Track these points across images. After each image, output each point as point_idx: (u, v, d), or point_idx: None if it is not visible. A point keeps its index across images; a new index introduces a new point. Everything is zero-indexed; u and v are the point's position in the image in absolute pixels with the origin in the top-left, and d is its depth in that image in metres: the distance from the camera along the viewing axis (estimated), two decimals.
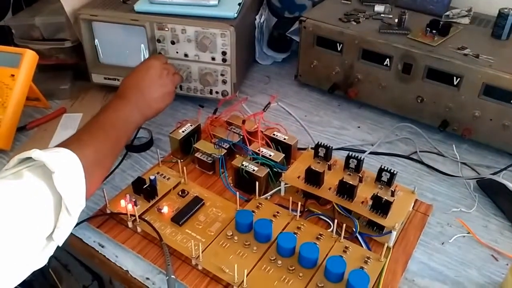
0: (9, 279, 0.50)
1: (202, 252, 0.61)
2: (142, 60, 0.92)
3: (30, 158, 0.54)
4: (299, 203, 0.67)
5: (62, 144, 0.59)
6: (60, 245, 0.55)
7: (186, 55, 0.89)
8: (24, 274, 0.52)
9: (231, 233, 0.65)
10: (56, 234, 0.54)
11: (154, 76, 0.78)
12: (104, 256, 0.65)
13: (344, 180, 0.66)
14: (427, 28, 0.86)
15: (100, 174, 0.64)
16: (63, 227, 0.54)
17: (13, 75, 0.83)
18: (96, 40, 0.93)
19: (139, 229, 0.66)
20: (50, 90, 0.96)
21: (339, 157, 0.75)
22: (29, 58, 0.84)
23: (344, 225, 0.63)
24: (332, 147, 0.73)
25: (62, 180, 0.53)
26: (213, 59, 0.89)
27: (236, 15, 0.87)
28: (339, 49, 0.91)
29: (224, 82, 0.91)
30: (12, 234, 0.49)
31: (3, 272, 0.49)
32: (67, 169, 0.54)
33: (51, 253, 0.55)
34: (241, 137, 0.78)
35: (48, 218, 0.53)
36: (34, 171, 0.53)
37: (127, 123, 0.71)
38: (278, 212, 0.69)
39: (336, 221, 0.65)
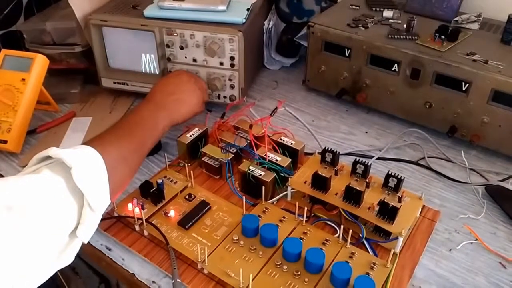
0: (32, 275, 0.50)
1: (208, 256, 0.61)
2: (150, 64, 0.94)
3: (49, 157, 0.54)
4: (306, 208, 0.67)
5: (84, 144, 0.59)
6: (86, 242, 0.55)
7: (194, 60, 0.90)
8: (48, 271, 0.52)
9: (237, 238, 0.65)
10: (80, 230, 0.53)
11: (184, 81, 0.81)
12: (111, 259, 0.66)
13: (351, 185, 0.66)
14: (436, 34, 0.86)
15: (125, 172, 0.63)
16: (87, 223, 0.54)
17: (24, 79, 0.84)
18: (105, 45, 0.94)
19: (145, 233, 0.67)
20: (60, 94, 0.97)
21: (346, 162, 0.75)
22: (40, 63, 0.85)
23: (351, 230, 0.63)
24: (339, 152, 0.72)
25: (82, 175, 0.53)
26: (221, 64, 0.89)
27: (244, 20, 0.88)
28: (347, 54, 0.91)
29: (232, 87, 0.91)
30: (27, 226, 0.48)
31: (24, 266, 0.48)
32: (87, 164, 0.54)
33: (77, 250, 0.55)
34: (248, 141, 0.78)
35: (69, 213, 0.53)
36: (53, 168, 0.53)
37: (153, 125, 0.71)
38: (284, 217, 0.69)
39: (342, 226, 0.65)
